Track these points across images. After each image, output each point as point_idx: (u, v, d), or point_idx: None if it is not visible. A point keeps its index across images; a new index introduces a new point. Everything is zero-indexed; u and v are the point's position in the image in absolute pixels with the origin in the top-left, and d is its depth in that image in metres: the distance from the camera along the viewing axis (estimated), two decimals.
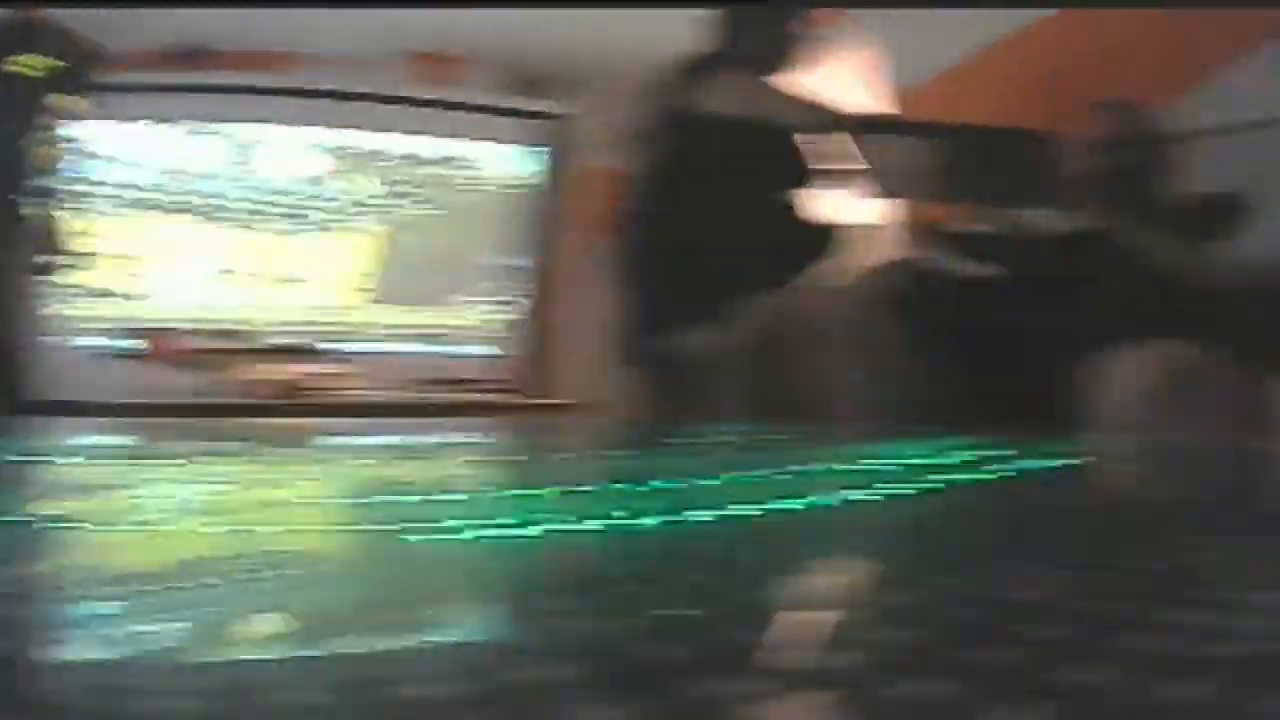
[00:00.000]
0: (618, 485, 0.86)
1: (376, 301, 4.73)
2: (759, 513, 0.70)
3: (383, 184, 4.72)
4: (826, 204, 2.61)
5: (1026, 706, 0.27)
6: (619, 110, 3.27)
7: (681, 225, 2.43)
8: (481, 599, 0.46)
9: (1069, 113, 2.15)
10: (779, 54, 2.50)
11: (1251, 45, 2.11)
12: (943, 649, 0.35)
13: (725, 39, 2.51)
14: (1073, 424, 1.43)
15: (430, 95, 4.50)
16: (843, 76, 3.18)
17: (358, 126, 4.59)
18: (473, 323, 4.81)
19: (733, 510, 0.70)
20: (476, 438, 1.61)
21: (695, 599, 0.41)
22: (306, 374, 3.91)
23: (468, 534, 0.60)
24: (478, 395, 4.18)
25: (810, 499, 0.76)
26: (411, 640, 0.38)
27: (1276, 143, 2.10)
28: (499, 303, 4.79)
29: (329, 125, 4.56)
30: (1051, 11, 2.70)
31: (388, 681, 0.32)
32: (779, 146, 2.34)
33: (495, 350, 4.75)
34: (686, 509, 0.69)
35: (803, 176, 2.53)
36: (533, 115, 4.62)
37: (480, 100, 4.55)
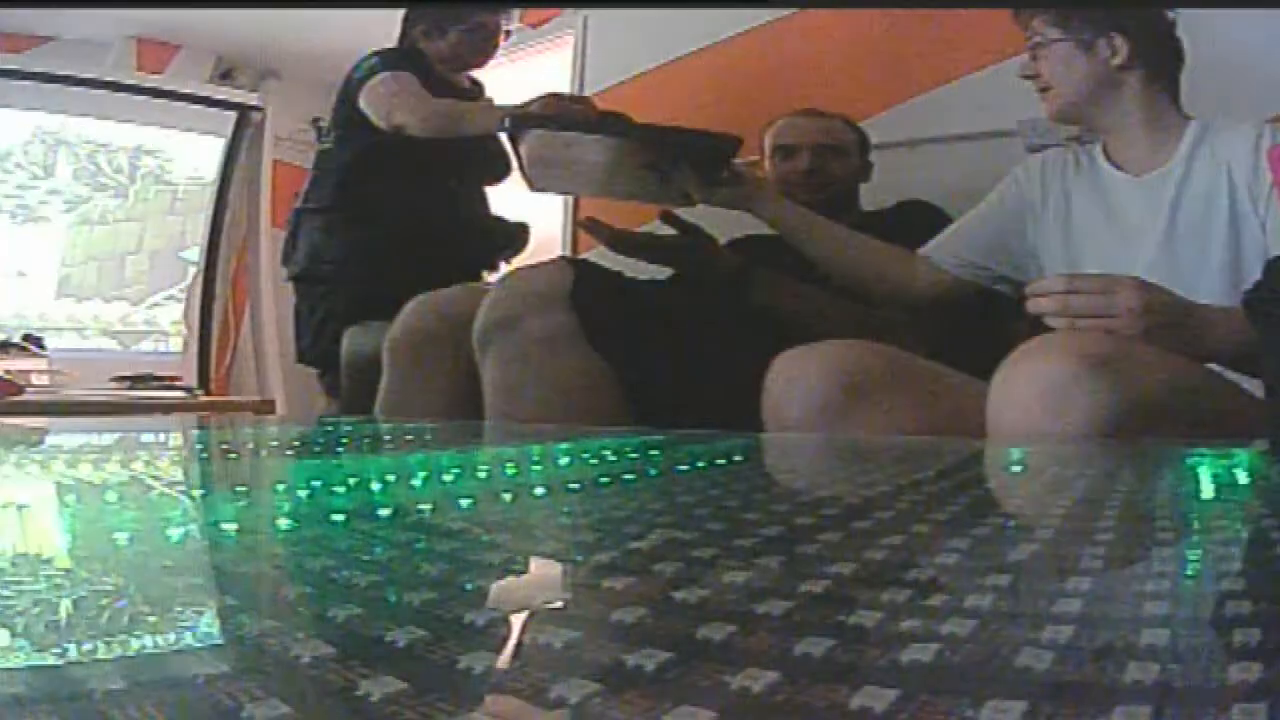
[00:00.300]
0: (300, 484, 0.83)
1: (68, 295, 4.47)
2: (430, 509, 0.68)
3: (75, 172, 4.43)
4: (501, 202, 2.67)
5: (677, 713, 0.26)
6: (310, 104, 3.28)
7: (359, 222, 2.44)
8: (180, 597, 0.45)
9: (767, 118, 2.19)
10: (460, 50, 2.52)
11: (981, 63, 2.18)
12: (597, 652, 0.33)
13: (410, 35, 2.53)
14: (752, 421, 1.43)
15: (135, 81, 4.24)
16: (537, 74, 3.25)
17: (62, 111, 4.28)
18: (162, 318, 4.62)
19: (417, 507, 0.68)
20: (165, 436, 1.56)
21: (359, 600, 0.40)
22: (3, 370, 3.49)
23: (173, 534, 0.58)
24: (168, 393, 3.99)
25: (481, 495, 0.76)
26: (111, 643, 0.37)
27: (992, 155, 2.23)
28: (187, 299, 4.61)
29: (30, 109, 4.24)
30: (763, 21, 2.78)
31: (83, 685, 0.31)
32: (456, 145, 2.35)
33: (184, 347, 4.58)
34: (365, 507, 0.68)
35: (479, 175, 2.59)
36: (226, 106, 4.47)
37: (178, 88, 4.34)
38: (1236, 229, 1.45)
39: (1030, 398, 1.16)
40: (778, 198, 1.85)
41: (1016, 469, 1.02)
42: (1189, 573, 0.47)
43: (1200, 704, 0.27)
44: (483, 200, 2.63)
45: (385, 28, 2.57)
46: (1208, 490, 0.69)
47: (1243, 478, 0.72)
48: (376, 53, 2.43)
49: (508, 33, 2.61)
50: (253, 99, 4.45)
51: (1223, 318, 1.29)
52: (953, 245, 1.72)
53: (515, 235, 2.67)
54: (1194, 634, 0.35)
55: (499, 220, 2.66)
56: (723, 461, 0.99)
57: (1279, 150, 1.39)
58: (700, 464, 0.96)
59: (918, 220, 1.92)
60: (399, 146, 2.34)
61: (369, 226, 2.43)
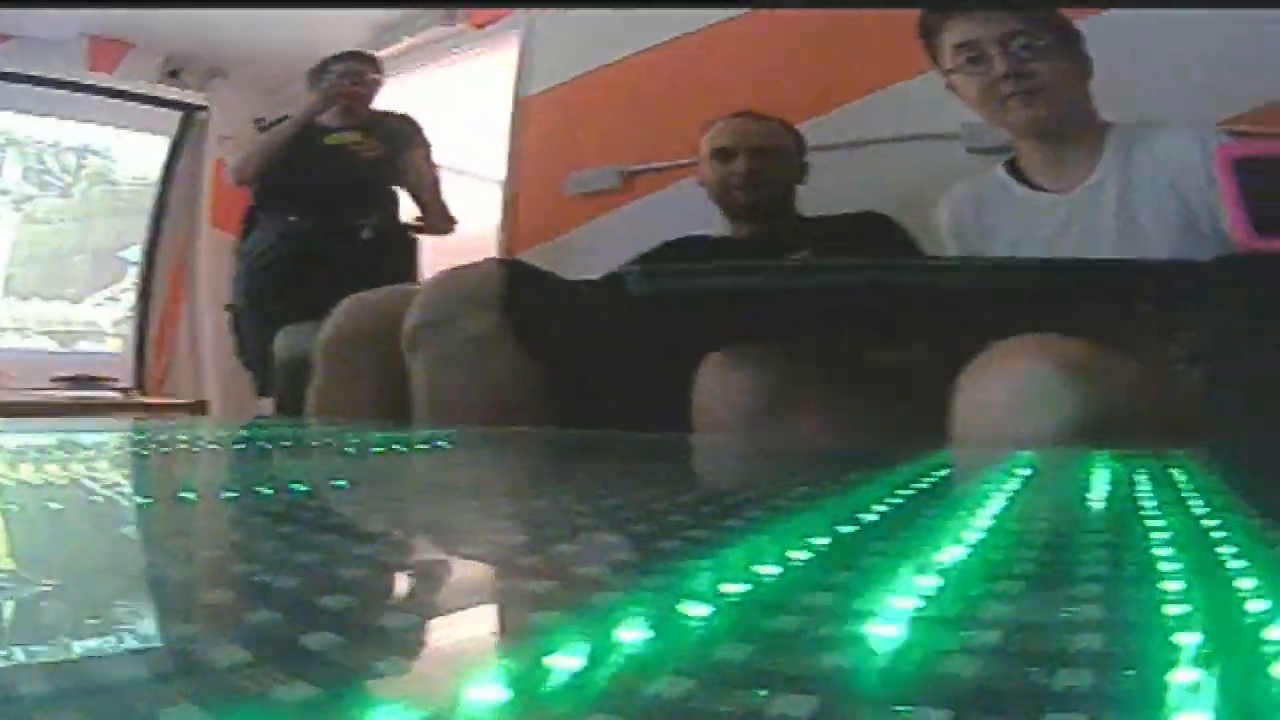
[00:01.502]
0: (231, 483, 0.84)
1: (11, 295, 4.37)
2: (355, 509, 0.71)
3: (23, 172, 4.34)
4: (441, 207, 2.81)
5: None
6: (254, 104, 3.41)
7: (296, 225, 2.63)
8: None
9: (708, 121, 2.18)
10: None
11: (925, 66, 2.19)
12: None
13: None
14: (682, 422, 1.43)
15: (86, 80, 4.18)
16: (479, 76, 3.35)
17: (9, 109, 4.18)
18: (102, 319, 4.56)
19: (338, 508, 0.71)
20: (103, 437, 1.55)
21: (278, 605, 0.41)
22: None
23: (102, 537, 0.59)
24: (105, 393, 4.03)
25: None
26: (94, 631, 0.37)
27: (934, 158, 2.23)
28: (126, 299, 4.55)
29: None
30: (707, 24, 2.80)
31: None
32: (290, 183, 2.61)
33: (123, 347, 4.51)
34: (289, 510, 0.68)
35: (414, 185, 2.77)
36: (170, 105, 4.42)
37: (128, 87, 4.29)
38: (1196, 235, 1.42)
39: (1002, 402, 1.14)
40: None
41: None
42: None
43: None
44: (345, 230, 2.68)
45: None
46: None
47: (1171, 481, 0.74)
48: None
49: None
50: (198, 99, 4.38)
51: None
52: None
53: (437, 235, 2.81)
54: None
55: (425, 225, 2.80)
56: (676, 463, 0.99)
57: (1225, 151, 1.36)
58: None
59: (871, 235, 1.91)
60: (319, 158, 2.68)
61: (298, 232, 2.68)
